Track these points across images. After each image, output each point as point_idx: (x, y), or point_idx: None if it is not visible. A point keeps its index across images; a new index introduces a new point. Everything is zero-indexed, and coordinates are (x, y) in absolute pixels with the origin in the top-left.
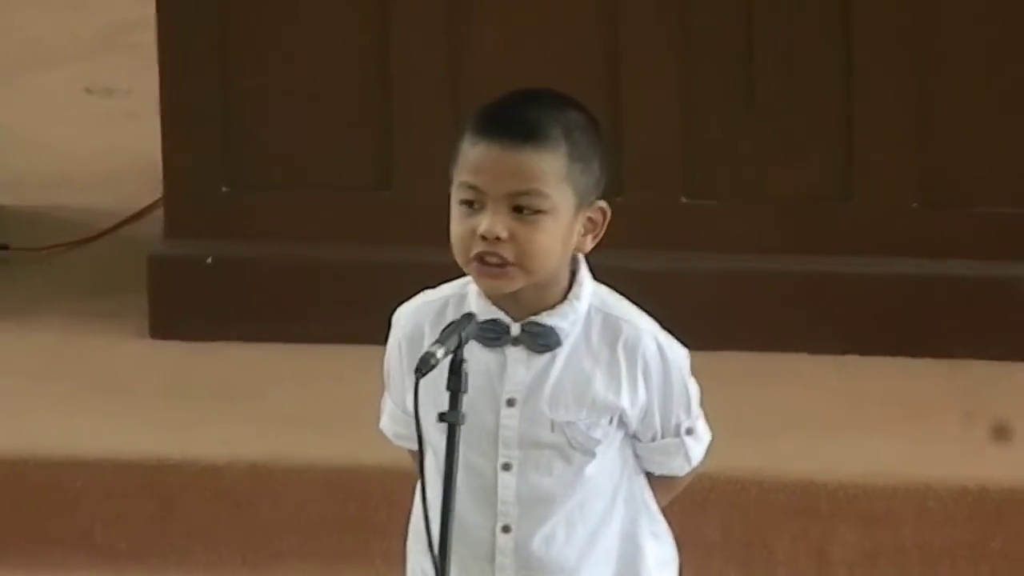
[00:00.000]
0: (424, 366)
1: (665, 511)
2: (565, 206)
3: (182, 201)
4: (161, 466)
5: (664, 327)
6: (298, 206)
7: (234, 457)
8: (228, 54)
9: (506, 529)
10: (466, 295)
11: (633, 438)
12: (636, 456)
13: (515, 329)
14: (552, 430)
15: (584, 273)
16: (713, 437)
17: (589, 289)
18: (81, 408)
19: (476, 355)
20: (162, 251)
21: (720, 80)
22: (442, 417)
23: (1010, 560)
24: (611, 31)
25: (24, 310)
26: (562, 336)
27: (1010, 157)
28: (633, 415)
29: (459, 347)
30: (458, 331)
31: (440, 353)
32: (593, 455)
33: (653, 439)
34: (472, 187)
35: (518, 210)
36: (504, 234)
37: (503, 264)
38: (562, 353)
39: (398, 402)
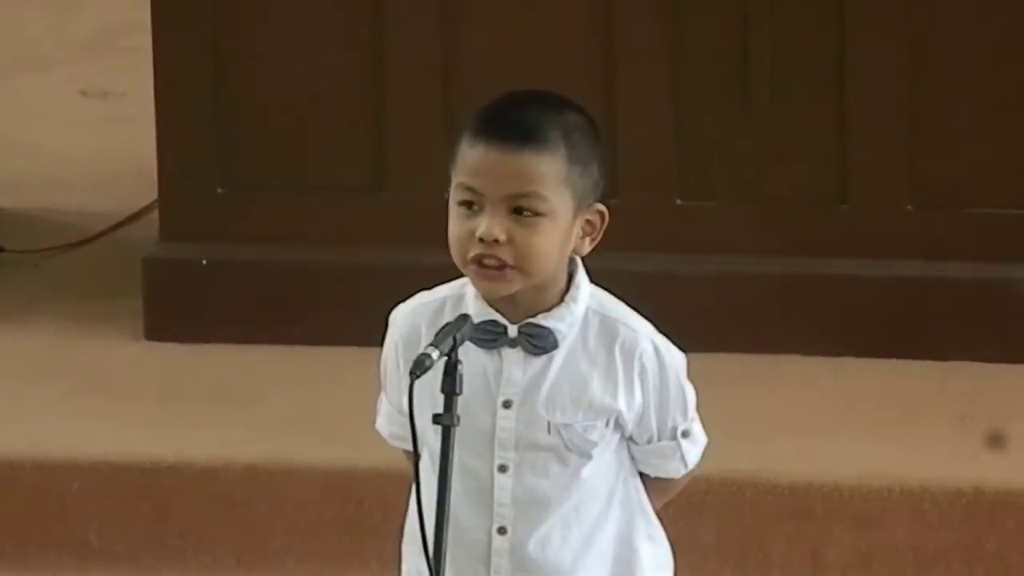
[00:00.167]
0: (419, 368)
1: (660, 513)
2: (564, 209)
3: (177, 203)
4: (156, 468)
5: (659, 329)
6: (293, 208)
7: (230, 459)
8: (223, 57)
9: (502, 531)
10: (463, 296)
11: (629, 441)
12: (632, 459)
13: (512, 331)
14: (549, 432)
15: (581, 275)
16: (708, 439)
17: (586, 291)
18: (76, 410)
19: (472, 357)
20: (157, 253)
21: (715, 82)
22: (437, 419)
23: (1005, 562)
24: (606, 32)
25: (19, 312)
26: (559, 338)
27: (1004, 159)
28: (629, 418)
29: (454, 349)
30: (453, 333)
31: (435, 355)
32: (589, 457)
33: (649, 442)
34: (470, 189)
35: (516, 212)
36: (502, 237)
37: (501, 267)
38: (559, 355)
39: (394, 403)
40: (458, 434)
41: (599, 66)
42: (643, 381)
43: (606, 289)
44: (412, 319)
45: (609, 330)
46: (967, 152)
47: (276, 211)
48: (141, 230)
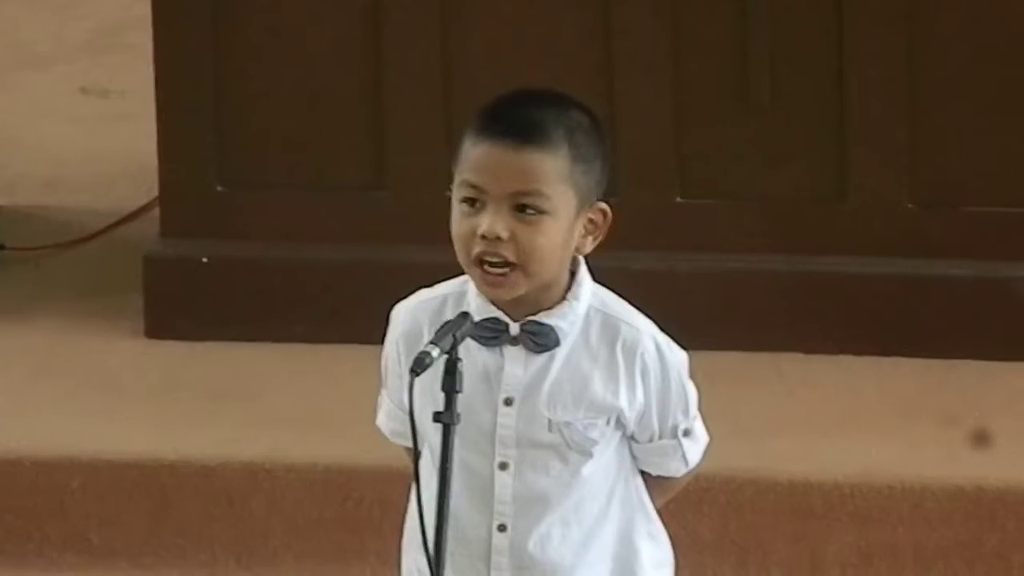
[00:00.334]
0: (419, 366)
1: (660, 511)
2: (566, 207)
3: (177, 201)
4: (156, 466)
5: (660, 327)
6: (293, 206)
7: (229, 457)
8: (223, 54)
9: (502, 528)
10: (465, 293)
11: (630, 439)
12: (633, 457)
13: (514, 328)
14: (549, 430)
15: (583, 273)
16: (709, 438)
17: (588, 289)
18: (77, 408)
19: (473, 354)
20: (157, 251)
21: (714, 80)
22: (437, 417)
23: (1005, 561)
24: (605, 31)
25: (19, 310)
26: (561, 336)
27: (1003, 157)
28: (631, 416)
29: (454, 347)
30: (453, 331)
31: (435, 353)
32: (590, 455)
33: (650, 440)
34: (473, 186)
35: (519, 210)
36: (505, 234)
37: (504, 265)
38: (560, 353)
39: (396, 400)
40: (459, 431)
41: (599, 64)
42: (645, 379)
43: (606, 287)
44: (413, 316)
45: (611, 328)
46: (967, 150)
47: (277, 209)
48: (141, 228)
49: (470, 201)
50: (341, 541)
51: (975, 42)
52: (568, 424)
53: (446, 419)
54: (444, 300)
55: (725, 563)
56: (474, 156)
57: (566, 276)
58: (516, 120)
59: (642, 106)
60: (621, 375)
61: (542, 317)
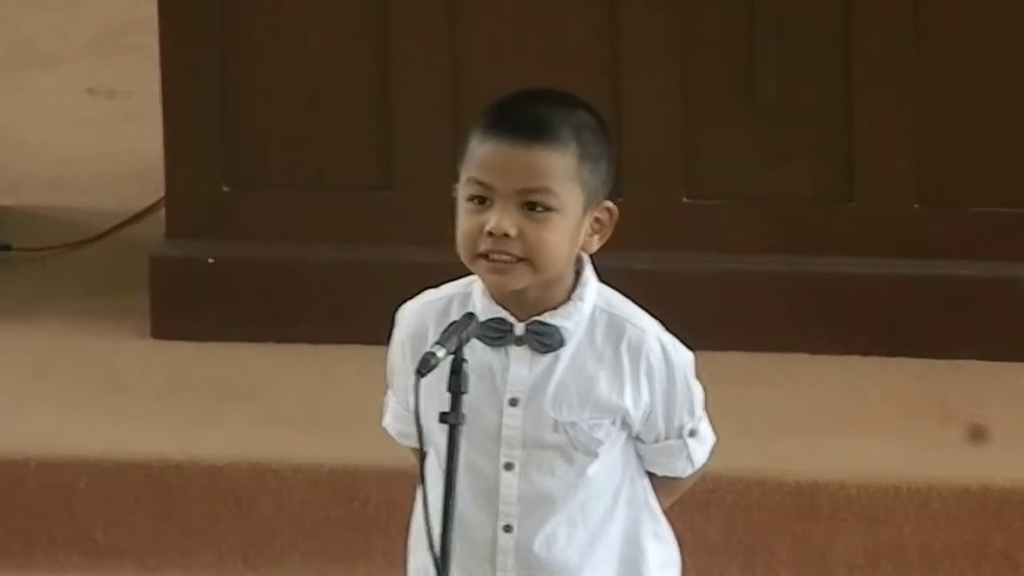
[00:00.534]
0: (424, 367)
1: (667, 512)
2: (574, 205)
3: (183, 201)
4: (162, 466)
5: (665, 327)
6: (299, 206)
7: (235, 457)
8: (229, 55)
9: (508, 529)
10: (470, 294)
11: (636, 439)
12: (639, 457)
13: (519, 329)
14: (555, 430)
15: (589, 273)
16: (716, 438)
17: (594, 289)
18: (83, 408)
19: (479, 355)
20: (163, 251)
21: (721, 80)
22: (443, 418)
23: (1012, 560)
24: (612, 31)
25: (26, 310)
26: (566, 336)
27: (1008, 158)
28: (636, 416)
29: (460, 347)
30: (459, 331)
31: (441, 353)
32: (596, 456)
33: (656, 440)
34: (481, 183)
35: (527, 207)
36: (513, 231)
37: (511, 261)
38: (566, 353)
39: (402, 401)
40: (464, 432)
41: (605, 64)
42: (650, 380)
43: (612, 287)
44: (419, 317)
45: (616, 328)
46: (974, 150)
47: (282, 209)
48: (147, 228)
49: (477, 199)
50: (347, 541)
51: (981, 44)
52: (574, 424)
53: (452, 420)
54: (450, 301)
55: (732, 563)
56: (481, 154)
57: (571, 276)
58: (524, 118)
59: (648, 106)
60: (626, 375)
61: (547, 317)
